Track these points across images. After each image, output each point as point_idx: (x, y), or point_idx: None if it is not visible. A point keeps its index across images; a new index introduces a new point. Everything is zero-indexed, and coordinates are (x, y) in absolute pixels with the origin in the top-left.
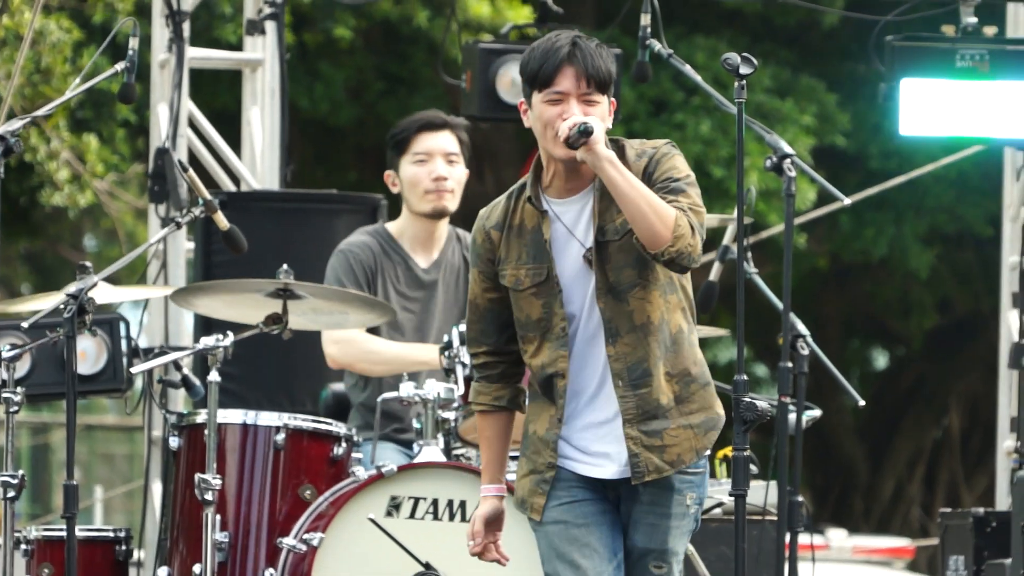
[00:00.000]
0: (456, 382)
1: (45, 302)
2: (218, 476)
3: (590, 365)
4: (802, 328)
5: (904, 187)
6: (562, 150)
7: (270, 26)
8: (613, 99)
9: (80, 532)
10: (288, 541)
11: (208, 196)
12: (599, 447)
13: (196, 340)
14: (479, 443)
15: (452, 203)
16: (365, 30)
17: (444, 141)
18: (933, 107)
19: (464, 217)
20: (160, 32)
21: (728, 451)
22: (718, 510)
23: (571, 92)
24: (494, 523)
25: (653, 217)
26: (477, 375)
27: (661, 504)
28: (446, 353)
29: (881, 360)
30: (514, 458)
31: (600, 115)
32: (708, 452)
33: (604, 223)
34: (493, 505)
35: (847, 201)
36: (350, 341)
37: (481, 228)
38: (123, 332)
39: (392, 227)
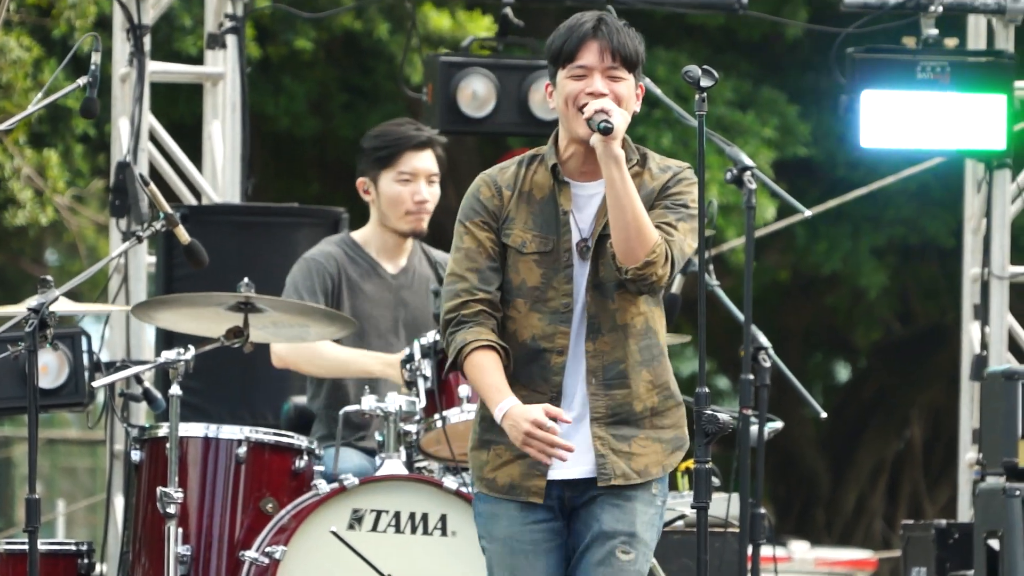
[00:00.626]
0: (418, 395)
1: (4, 312)
2: (180, 489)
3: (577, 356)
4: (764, 340)
5: (864, 200)
6: (584, 128)
7: (231, 40)
8: (642, 84)
9: (42, 546)
10: (250, 554)
11: (169, 210)
12: (568, 442)
13: (158, 354)
14: (476, 377)
15: (427, 222)
16: (327, 43)
17: (428, 161)
18: (894, 119)
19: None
20: (121, 46)
21: (690, 463)
22: (680, 522)
23: (595, 67)
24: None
25: (634, 232)
26: (469, 325)
27: (627, 488)
28: (407, 366)
29: (843, 372)
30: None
31: (627, 92)
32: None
33: (602, 219)
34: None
35: (808, 213)
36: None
37: (490, 182)
38: (84, 346)
39: (357, 236)
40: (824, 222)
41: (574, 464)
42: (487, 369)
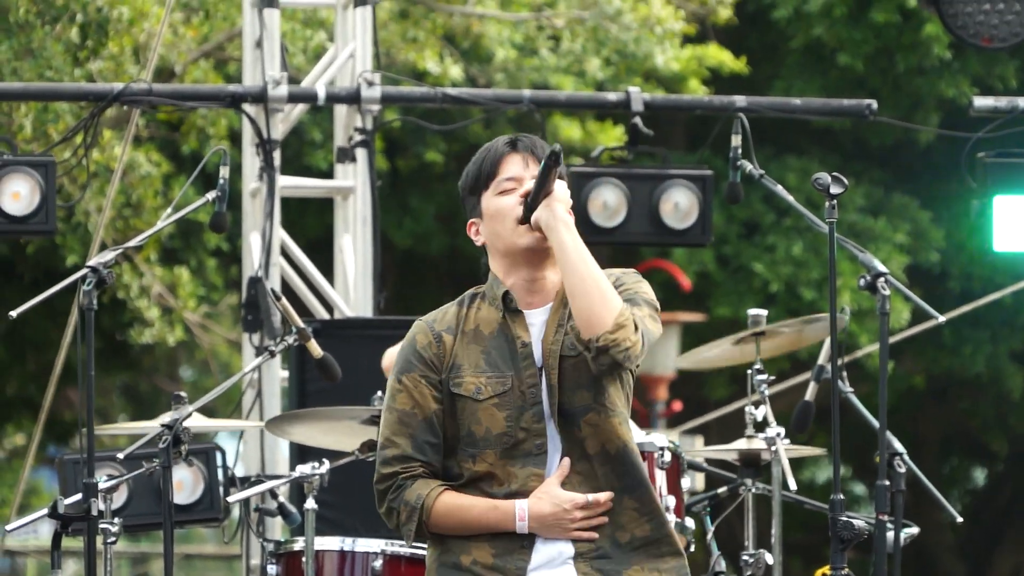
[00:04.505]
0: None
1: (139, 428)
2: None
3: None
4: (898, 446)
5: (995, 305)
6: (527, 237)
7: (361, 153)
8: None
9: None
10: None
11: (301, 324)
12: None
13: (292, 468)
14: (458, 515)
15: None
16: (457, 154)
17: None
18: None
19: None
20: (250, 160)
21: (826, 570)
22: None
23: (523, 176)
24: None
25: (597, 295)
26: (413, 481)
27: None
28: None
29: (980, 477)
30: None
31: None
32: None
33: (559, 336)
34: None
35: (941, 319)
36: None
37: (427, 330)
38: (219, 461)
39: None
40: (966, 326)
41: None
42: (466, 502)
